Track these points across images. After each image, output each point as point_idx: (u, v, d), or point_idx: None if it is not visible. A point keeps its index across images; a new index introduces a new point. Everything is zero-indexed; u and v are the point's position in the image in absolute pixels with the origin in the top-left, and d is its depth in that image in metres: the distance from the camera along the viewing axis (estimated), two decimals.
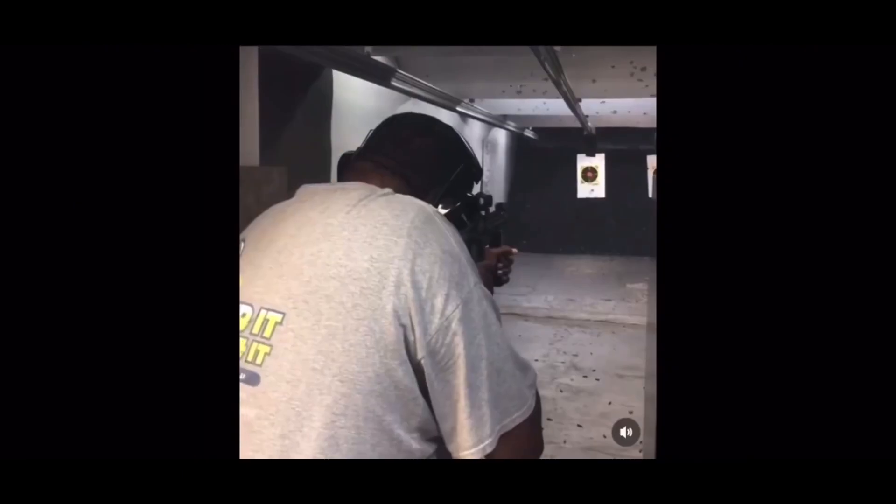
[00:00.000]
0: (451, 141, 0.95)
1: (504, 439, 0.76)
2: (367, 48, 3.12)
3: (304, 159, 2.71)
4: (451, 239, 0.78)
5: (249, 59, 1.67)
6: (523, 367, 0.80)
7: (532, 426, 0.78)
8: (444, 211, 0.88)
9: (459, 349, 0.73)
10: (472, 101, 5.50)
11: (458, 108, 5.27)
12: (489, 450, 0.74)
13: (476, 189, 0.99)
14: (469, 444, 0.74)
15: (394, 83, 3.52)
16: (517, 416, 0.77)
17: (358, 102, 3.53)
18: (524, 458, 0.78)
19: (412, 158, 0.90)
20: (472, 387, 0.73)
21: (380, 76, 3.32)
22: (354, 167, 0.90)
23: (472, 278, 0.77)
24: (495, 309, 0.79)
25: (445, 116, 5.71)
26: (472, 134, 7.65)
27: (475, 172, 0.95)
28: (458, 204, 0.91)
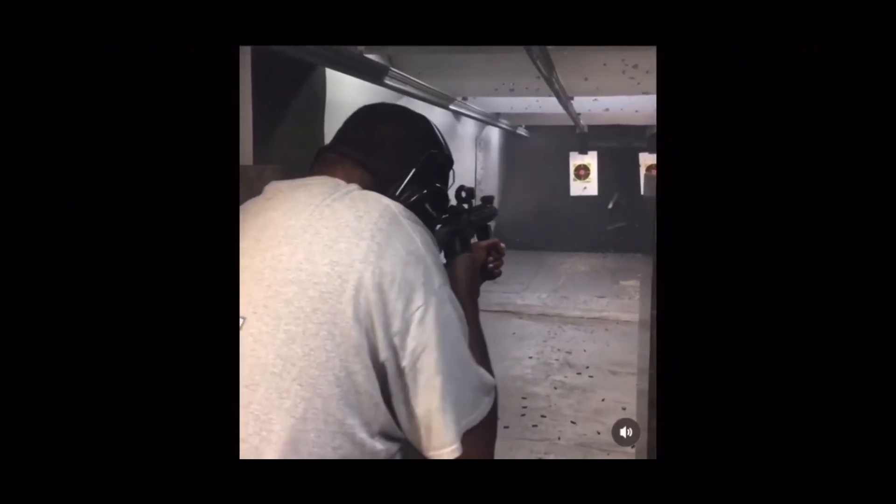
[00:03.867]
0: (418, 129, 0.93)
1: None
2: (360, 46, 3.12)
3: (297, 157, 2.71)
4: (417, 239, 0.77)
5: (242, 58, 1.67)
6: (481, 375, 0.80)
7: (484, 431, 0.78)
8: (403, 197, 0.86)
9: (419, 351, 0.73)
10: (465, 99, 5.50)
11: (452, 106, 5.27)
12: (457, 454, 0.74)
13: (451, 181, 0.96)
14: (436, 446, 0.74)
15: (387, 81, 3.52)
16: (468, 423, 0.76)
17: (351, 100, 3.53)
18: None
19: (377, 148, 0.88)
20: (433, 389, 0.73)
21: (373, 74, 3.32)
22: (322, 159, 0.89)
23: (436, 280, 0.76)
24: (459, 312, 0.79)
25: (438, 114, 5.70)
26: (465, 132, 7.65)
27: (443, 161, 0.93)
28: (425, 192, 0.89)
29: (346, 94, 3.48)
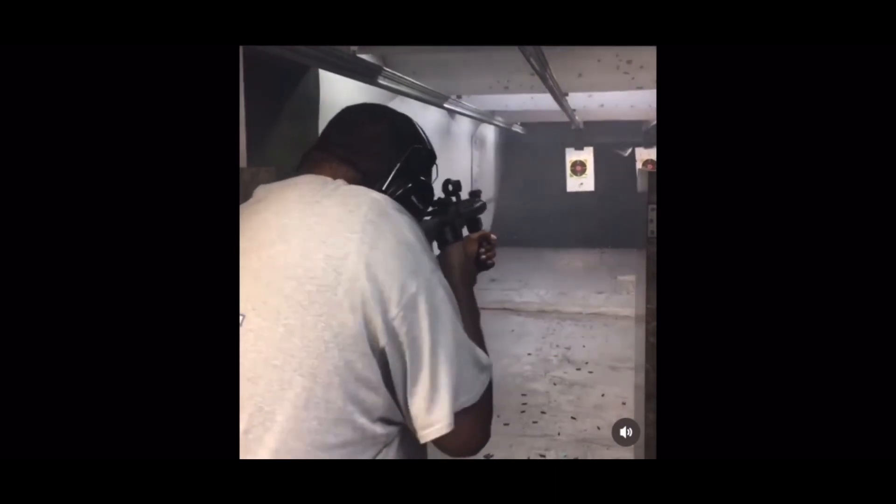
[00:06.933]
0: (400, 126, 0.97)
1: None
2: (353, 47, 3.12)
3: (291, 159, 2.72)
4: (406, 229, 0.80)
5: None
6: (477, 355, 0.82)
7: (478, 410, 0.80)
8: (390, 191, 0.89)
9: (414, 335, 0.75)
10: (459, 97, 5.50)
11: (446, 105, 5.27)
12: (445, 431, 0.76)
13: (435, 175, 1.00)
14: (426, 424, 0.76)
15: (380, 81, 3.52)
16: (465, 401, 0.78)
17: (345, 101, 3.52)
18: (465, 445, 0.79)
19: (361, 145, 0.91)
20: (431, 369, 0.76)
21: (366, 74, 3.33)
22: (308, 159, 0.92)
23: (427, 266, 0.79)
24: (451, 296, 0.82)
25: (433, 113, 5.70)
26: (461, 130, 7.65)
27: (425, 156, 0.97)
28: (410, 186, 0.92)
29: (340, 94, 3.48)
